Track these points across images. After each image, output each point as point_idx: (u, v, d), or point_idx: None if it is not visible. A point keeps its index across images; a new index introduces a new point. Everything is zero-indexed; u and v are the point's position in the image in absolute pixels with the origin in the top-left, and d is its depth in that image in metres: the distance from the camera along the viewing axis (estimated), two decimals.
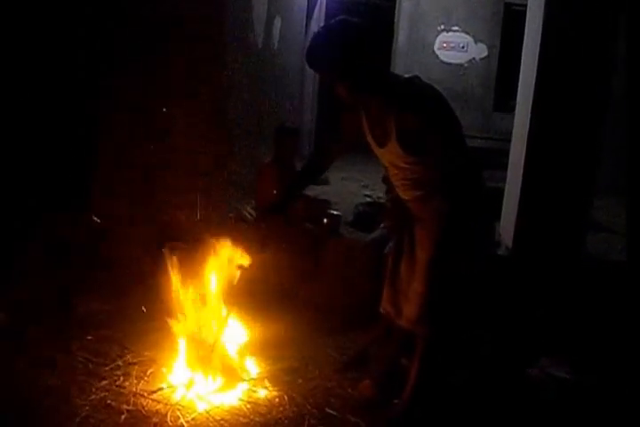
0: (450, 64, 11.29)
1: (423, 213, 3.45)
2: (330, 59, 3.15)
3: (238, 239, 3.76)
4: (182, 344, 3.91)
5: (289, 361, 4.25)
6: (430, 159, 3.27)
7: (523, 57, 5.75)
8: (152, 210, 5.53)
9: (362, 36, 3.17)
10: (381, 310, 3.81)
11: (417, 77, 3.33)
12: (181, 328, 3.90)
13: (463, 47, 11.29)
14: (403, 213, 3.65)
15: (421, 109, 3.18)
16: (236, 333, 4.18)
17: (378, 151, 3.47)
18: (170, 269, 3.90)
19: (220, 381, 3.82)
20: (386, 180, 4.63)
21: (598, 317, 4.76)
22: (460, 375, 4.17)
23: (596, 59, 5.03)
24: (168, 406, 3.62)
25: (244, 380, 3.90)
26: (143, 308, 4.50)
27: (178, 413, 3.56)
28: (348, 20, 3.20)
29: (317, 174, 3.90)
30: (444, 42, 11.34)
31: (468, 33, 11.26)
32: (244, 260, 3.70)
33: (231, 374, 3.89)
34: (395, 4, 11.62)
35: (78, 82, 5.52)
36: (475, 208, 3.39)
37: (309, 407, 3.73)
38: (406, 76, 3.34)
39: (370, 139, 3.48)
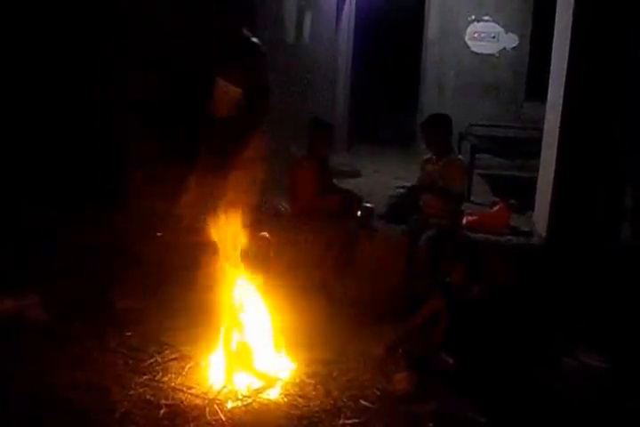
0: (481, 54, 11.20)
1: None
2: None
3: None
4: (220, 340, 3.94)
5: (324, 354, 4.27)
6: None
7: (554, 46, 5.70)
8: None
9: None
10: None
11: None
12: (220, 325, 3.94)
13: (494, 37, 11.19)
14: None
15: None
16: (272, 326, 4.21)
17: None
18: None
19: (257, 376, 3.86)
20: None
21: (635, 304, 4.72)
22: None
23: (629, 46, 4.97)
24: (206, 401, 3.65)
25: (280, 378, 3.93)
26: None
27: (216, 407, 3.59)
28: None
29: None
30: (475, 32, 11.25)
31: (498, 23, 11.16)
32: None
33: (267, 370, 3.93)
34: None
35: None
36: None
37: (345, 400, 3.75)
38: None
39: None
